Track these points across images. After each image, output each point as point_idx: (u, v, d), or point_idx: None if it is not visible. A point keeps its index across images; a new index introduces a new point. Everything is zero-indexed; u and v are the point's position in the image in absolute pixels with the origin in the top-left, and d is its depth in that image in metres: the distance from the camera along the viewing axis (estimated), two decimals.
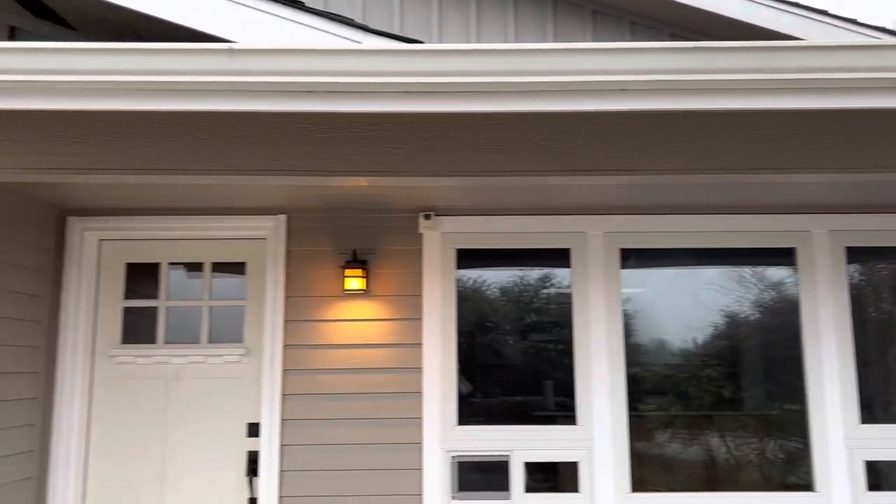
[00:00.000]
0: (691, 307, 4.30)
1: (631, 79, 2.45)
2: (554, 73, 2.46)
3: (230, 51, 2.41)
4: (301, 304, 4.15)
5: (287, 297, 4.14)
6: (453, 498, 3.99)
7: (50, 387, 4.06)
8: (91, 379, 4.19)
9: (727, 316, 4.33)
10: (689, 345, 4.30)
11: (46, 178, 2.97)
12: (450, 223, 4.23)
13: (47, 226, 4.08)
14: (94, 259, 4.27)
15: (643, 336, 4.26)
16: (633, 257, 4.28)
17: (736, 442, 4.22)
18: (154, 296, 4.34)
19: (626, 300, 4.21)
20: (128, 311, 4.32)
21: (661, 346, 4.32)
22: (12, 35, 3.18)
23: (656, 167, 2.80)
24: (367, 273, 4.15)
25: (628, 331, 4.17)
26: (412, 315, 4.15)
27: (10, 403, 3.68)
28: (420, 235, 4.22)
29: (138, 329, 4.31)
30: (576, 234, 4.22)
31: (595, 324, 4.14)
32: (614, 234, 4.22)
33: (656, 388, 4.28)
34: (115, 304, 4.30)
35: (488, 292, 4.37)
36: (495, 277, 4.38)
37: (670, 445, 4.23)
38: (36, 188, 3.77)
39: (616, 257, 4.21)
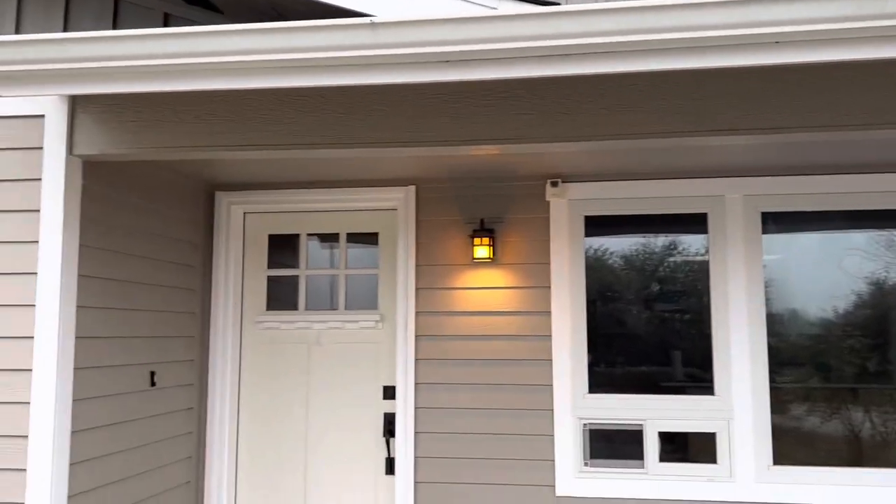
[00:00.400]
0: (834, 274, 4.04)
1: (785, 30, 2.29)
2: (698, 28, 2.33)
3: (372, 24, 2.44)
4: (431, 273, 4.25)
5: (418, 266, 4.24)
6: (586, 464, 4.00)
7: (204, 351, 4.38)
8: (240, 343, 4.49)
9: (873, 283, 4.04)
10: (831, 314, 4.05)
11: (200, 156, 3.15)
12: (577, 190, 4.17)
13: (198, 200, 4.37)
14: (240, 231, 4.55)
15: (783, 304, 4.05)
16: (772, 221, 4.06)
17: (882, 417, 3.96)
18: (294, 265, 4.57)
19: (765, 266, 4.01)
20: (270, 280, 4.57)
21: (801, 314, 4.10)
22: (166, 21, 3.40)
23: (812, 124, 2.63)
24: (494, 241, 4.18)
25: (767, 299, 3.99)
26: (540, 283, 4.15)
27: (173, 365, 4.01)
28: (547, 203, 4.19)
29: (280, 297, 4.56)
30: (713, 197, 4.06)
31: (734, 292, 3.98)
32: (755, 196, 4.02)
33: (796, 358, 4.07)
34: (259, 274, 4.56)
35: (615, 260, 4.29)
36: (624, 244, 4.29)
37: (810, 419, 4.03)
38: (188, 165, 4.01)
39: (757, 221, 4.01)
